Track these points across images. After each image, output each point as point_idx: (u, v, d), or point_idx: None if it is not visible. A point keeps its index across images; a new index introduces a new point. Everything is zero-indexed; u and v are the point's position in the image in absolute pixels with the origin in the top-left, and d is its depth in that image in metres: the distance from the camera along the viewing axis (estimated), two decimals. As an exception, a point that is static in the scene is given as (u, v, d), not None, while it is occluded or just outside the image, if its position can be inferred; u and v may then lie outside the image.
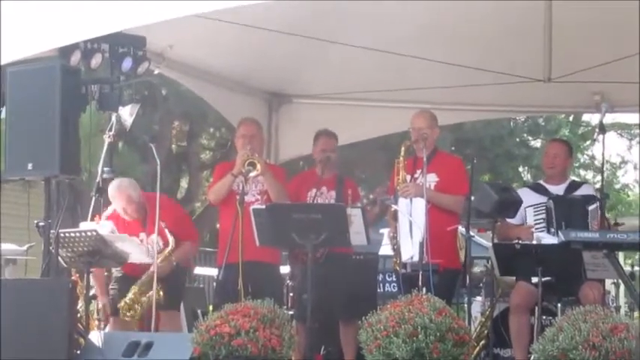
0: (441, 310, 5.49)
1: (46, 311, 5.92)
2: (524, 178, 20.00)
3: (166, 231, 7.05)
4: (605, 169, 7.74)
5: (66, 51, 6.88)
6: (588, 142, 22.87)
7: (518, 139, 19.03)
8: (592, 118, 19.48)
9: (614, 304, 9.18)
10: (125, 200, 7.19)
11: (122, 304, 7.09)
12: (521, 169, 20.60)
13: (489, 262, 7.80)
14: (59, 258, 6.51)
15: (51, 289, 6.10)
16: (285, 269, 7.43)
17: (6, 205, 7.78)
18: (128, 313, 7.09)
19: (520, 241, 6.70)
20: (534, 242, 6.64)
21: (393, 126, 9.53)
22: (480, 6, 7.33)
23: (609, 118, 15.03)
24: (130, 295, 7.09)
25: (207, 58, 8.40)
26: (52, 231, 6.31)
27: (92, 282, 7.05)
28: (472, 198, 6.81)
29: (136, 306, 7.10)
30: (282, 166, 8.47)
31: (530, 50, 8.04)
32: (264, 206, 6.81)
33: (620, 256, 9.14)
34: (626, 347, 5.05)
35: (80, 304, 6.76)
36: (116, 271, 7.36)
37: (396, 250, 6.90)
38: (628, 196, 27.17)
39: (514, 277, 6.94)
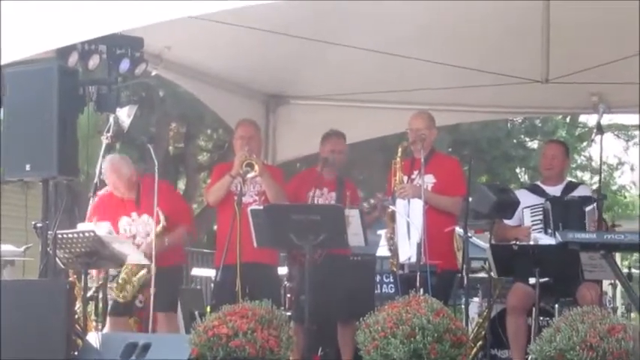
0: (438, 311, 5.50)
1: (44, 312, 5.92)
2: (522, 180, 20.02)
3: (159, 212, 6.94)
4: (602, 170, 7.72)
5: (63, 52, 6.86)
6: (585, 144, 22.89)
7: (515, 141, 19.01)
8: (589, 119, 19.49)
9: (612, 305, 9.19)
10: (116, 175, 7.19)
11: (114, 284, 7.05)
12: (518, 170, 20.61)
13: (487, 263, 7.79)
14: (57, 259, 6.51)
15: (49, 290, 6.11)
16: (282, 270, 7.43)
17: (4, 207, 7.76)
18: (120, 295, 7.06)
19: (517, 242, 6.71)
20: (532, 243, 6.65)
21: (391, 127, 9.51)
22: (479, 6, 7.32)
23: (606, 119, 15.00)
24: (122, 274, 7.06)
25: (204, 59, 8.40)
26: (49, 232, 6.31)
27: (90, 282, 7.04)
28: (470, 199, 6.81)
29: (128, 286, 7.07)
30: (279, 167, 8.47)
31: (527, 51, 8.03)
32: (262, 207, 6.81)
33: (617, 257, 9.14)
34: (624, 348, 5.06)
35: (78, 305, 6.77)
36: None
37: (394, 251, 6.91)
38: (625, 197, 27.21)
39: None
